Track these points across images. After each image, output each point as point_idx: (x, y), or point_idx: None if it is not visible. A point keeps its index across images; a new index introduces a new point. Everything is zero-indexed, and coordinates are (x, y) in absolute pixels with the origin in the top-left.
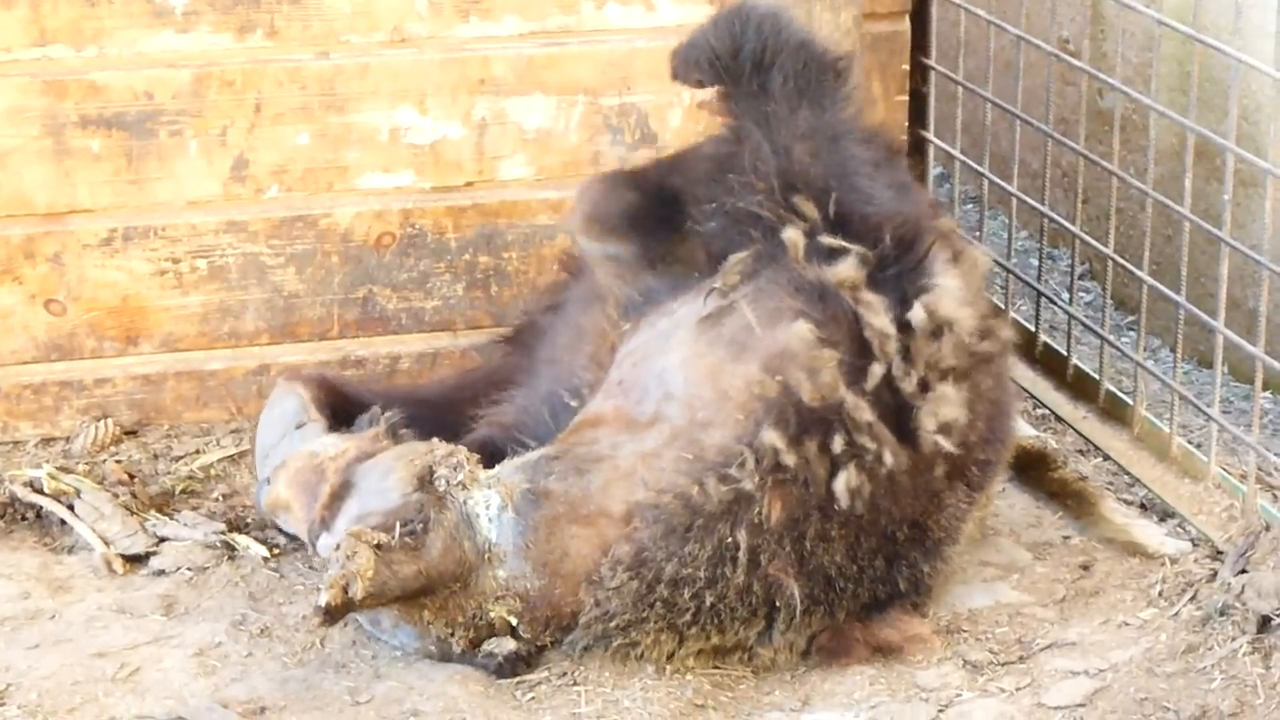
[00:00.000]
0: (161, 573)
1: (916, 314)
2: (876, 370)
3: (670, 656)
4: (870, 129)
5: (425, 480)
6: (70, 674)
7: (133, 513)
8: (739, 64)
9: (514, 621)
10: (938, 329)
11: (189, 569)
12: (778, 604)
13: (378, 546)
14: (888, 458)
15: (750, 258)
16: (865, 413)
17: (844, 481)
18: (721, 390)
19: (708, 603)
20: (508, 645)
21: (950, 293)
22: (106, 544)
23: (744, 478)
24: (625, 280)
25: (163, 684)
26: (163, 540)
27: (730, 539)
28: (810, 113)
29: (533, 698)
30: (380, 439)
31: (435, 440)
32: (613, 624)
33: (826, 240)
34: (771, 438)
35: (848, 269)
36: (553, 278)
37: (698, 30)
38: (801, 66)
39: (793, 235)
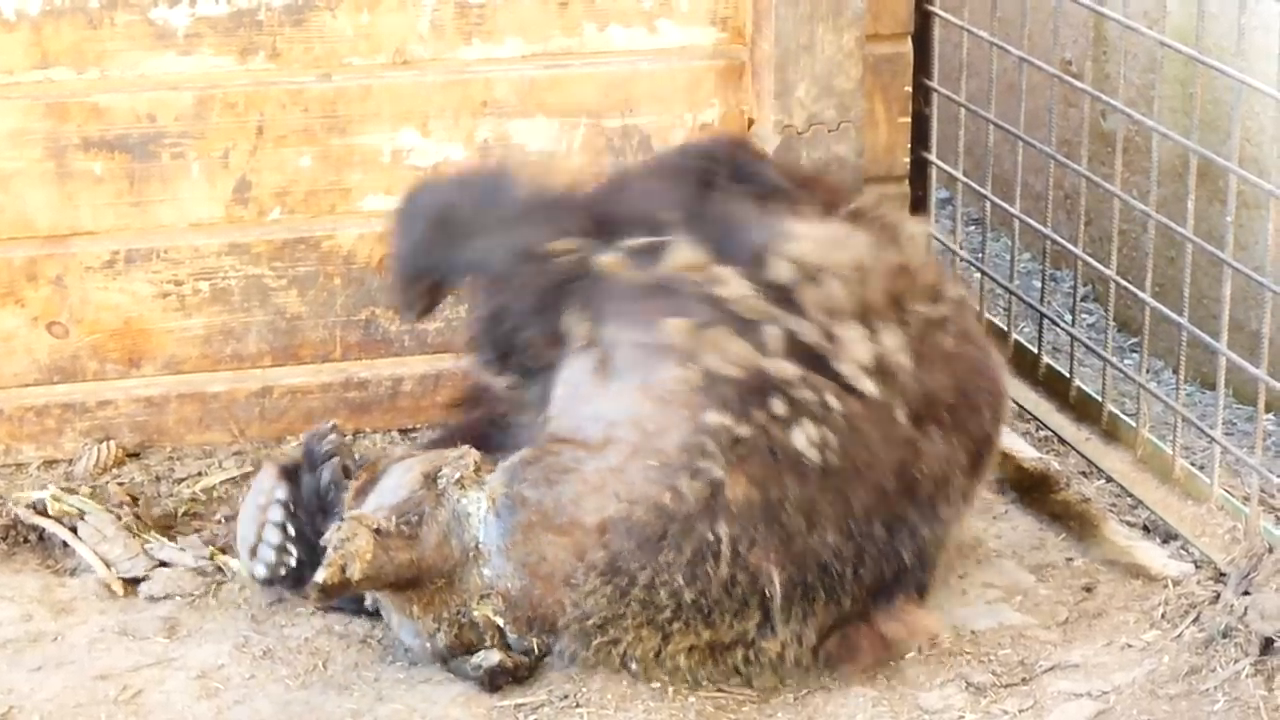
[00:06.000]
0: (165, 595)
1: (778, 269)
2: (772, 331)
3: (657, 655)
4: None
5: (431, 478)
6: (73, 696)
7: (135, 535)
8: (429, 273)
9: (500, 622)
10: (811, 276)
11: (192, 591)
12: (768, 593)
13: (377, 531)
14: (834, 402)
15: (582, 309)
16: (789, 369)
17: (804, 436)
18: (658, 399)
19: (688, 599)
20: (493, 658)
21: (812, 242)
22: (108, 566)
23: (712, 465)
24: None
25: (165, 706)
26: (163, 564)
27: (711, 535)
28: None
29: None
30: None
31: (465, 446)
32: (590, 622)
33: (631, 243)
34: (718, 419)
35: (683, 255)
36: None
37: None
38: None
39: (605, 259)
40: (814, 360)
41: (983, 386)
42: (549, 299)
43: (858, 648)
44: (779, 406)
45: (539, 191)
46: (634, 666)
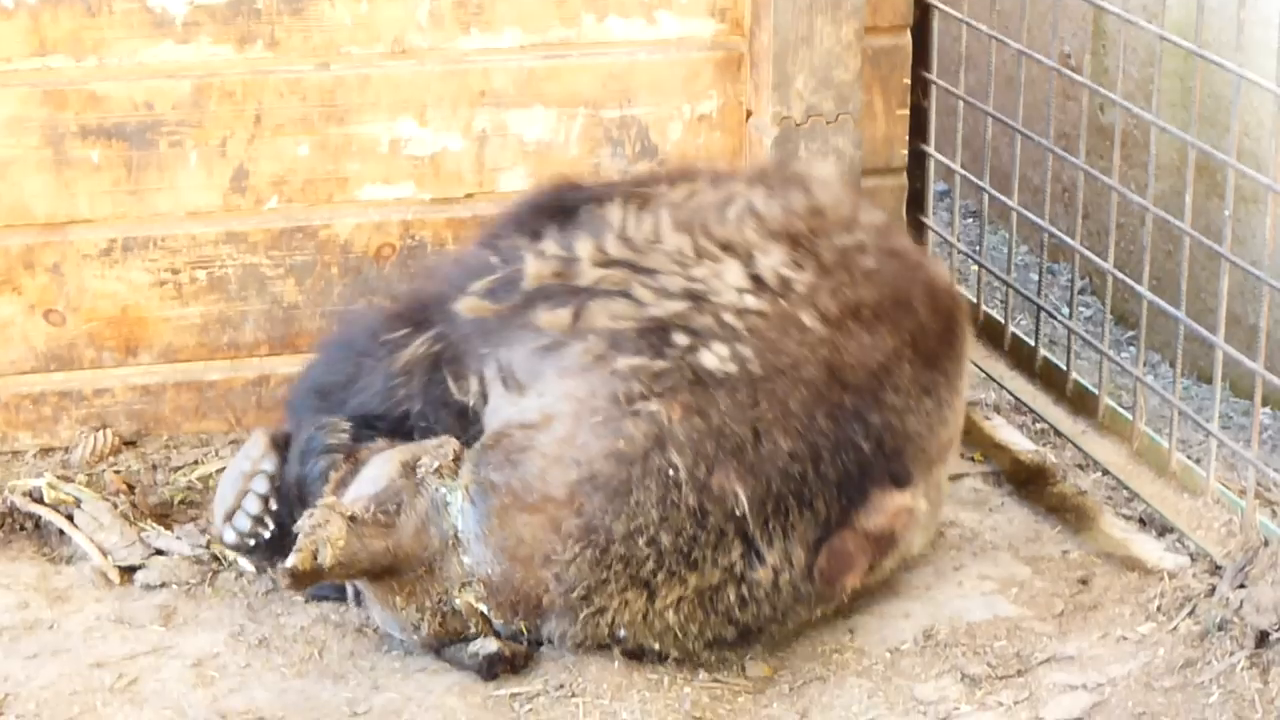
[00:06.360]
0: (161, 583)
1: (612, 249)
2: (641, 291)
3: (645, 616)
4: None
5: (410, 467)
6: (68, 684)
7: (131, 523)
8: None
9: (483, 608)
10: (642, 247)
11: (188, 580)
12: (739, 513)
13: (351, 518)
14: (731, 320)
15: (457, 376)
16: (675, 306)
17: (715, 356)
18: (576, 372)
19: (665, 542)
20: (490, 646)
21: (631, 218)
22: (104, 554)
23: (647, 403)
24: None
25: (161, 694)
26: (159, 552)
27: (669, 466)
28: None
29: (530, 709)
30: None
31: (445, 436)
32: (574, 595)
33: (482, 283)
34: (633, 362)
35: (534, 268)
36: None
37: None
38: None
39: (464, 304)
40: (693, 297)
41: (914, 291)
42: (432, 391)
43: (849, 555)
44: (681, 338)
45: (370, 321)
46: (623, 634)
